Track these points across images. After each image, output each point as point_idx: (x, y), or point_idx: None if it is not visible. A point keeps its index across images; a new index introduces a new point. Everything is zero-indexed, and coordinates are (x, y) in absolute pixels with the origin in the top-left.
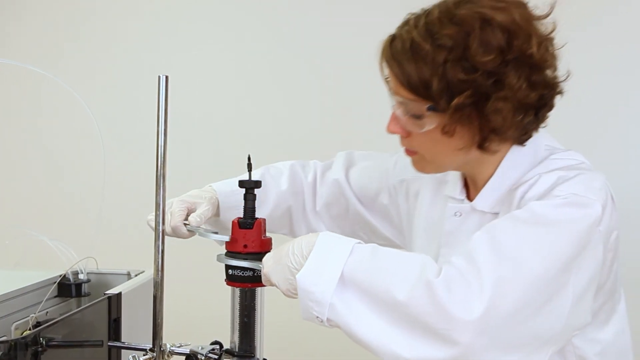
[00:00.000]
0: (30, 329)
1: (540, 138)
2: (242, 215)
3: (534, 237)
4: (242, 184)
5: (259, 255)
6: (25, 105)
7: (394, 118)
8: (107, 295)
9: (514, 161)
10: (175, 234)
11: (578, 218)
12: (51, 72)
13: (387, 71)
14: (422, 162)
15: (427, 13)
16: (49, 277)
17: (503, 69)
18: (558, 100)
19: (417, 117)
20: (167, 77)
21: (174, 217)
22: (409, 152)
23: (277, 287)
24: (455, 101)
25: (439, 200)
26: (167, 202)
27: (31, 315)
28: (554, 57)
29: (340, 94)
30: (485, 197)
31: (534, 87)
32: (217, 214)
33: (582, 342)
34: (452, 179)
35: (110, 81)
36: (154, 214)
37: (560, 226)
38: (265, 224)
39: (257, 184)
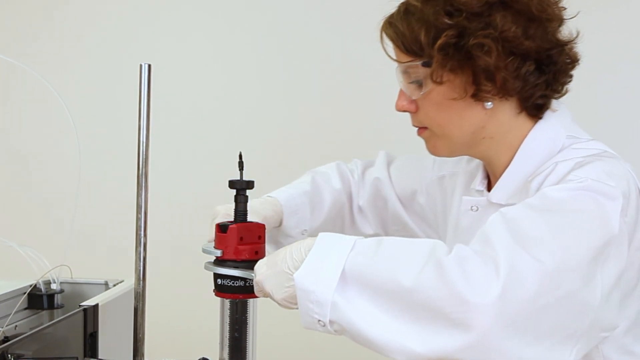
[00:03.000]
0: None
1: (563, 128)
2: (300, 222)
3: (551, 223)
4: (232, 184)
5: (250, 264)
6: None
7: (401, 94)
8: (82, 307)
9: (531, 149)
10: None
11: (597, 206)
12: (20, 60)
13: (389, 48)
14: (433, 138)
15: None
16: (18, 287)
17: (488, 11)
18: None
19: (418, 82)
20: (149, 65)
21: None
22: (420, 130)
23: (271, 297)
24: (439, 42)
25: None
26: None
27: None
28: (555, 12)
29: (339, 88)
30: (502, 188)
31: (529, 37)
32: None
33: (616, 354)
34: (478, 171)
35: (87, 71)
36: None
37: (578, 212)
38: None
39: (250, 184)
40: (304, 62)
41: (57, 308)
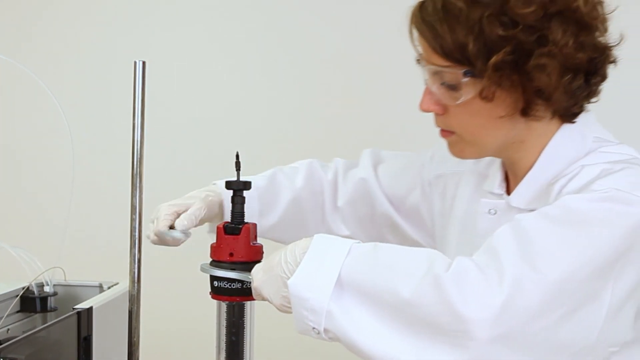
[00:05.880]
0: None
1: (589, 129)
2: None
3: (565, 236)
4: (229, 185)
5: (248, 265)
6: None
7: (428, 93)
8: (76, 310)
9: (558, 150)
10: (161, 242)
11: (618, 216)
12: (12, 56)
13: (417, 39)
14: (460, 143)
15: None
16: (10, 290)
17: (546, 23)
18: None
19: (453, 87)
20: (144, 62)
21: (158, 222)
22: (445, 133)
23: (270, 302)
24: (494, 59)
25: (479, 197)
26: (156, 208)
27: None
28: (603, 19)
29: (340, 86)
30: (523, 191)
31: (582, 48)
32: (220, 216)
33: None
34: (493, 173)
35: (81, 68)
36: (150, 224)
37: (597, 225)
38: (255, 229)
39: (247, 185)
40: (304, 58)
41: (51, 311)
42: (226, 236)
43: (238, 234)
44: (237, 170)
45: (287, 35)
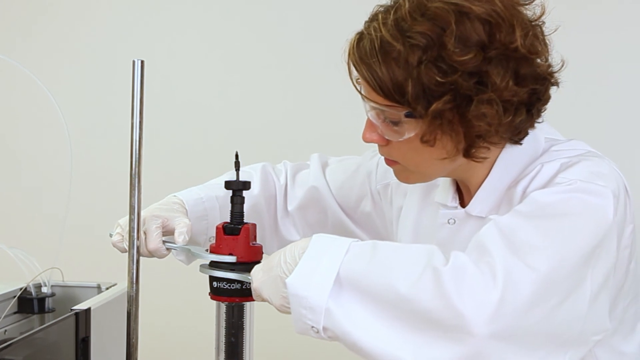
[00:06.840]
0: None
1: (539, 130)
2: (218, 225)
3: (543, 229)
4: (228, 185)
5: (247, 266)
6: None
7: (370, 125)
8: (74, 311)
9: (510, 159)
10: (154, 255)
11: (588, 207)
12: (9, 54)
13: (356, 73)
14: (405, 172)
15: (396, 7)
16: (8, 291)
17: (485, 67)
18: (554, 92)
19: (395, 123)
20: (142, 61)
21: (151, 237)
22: (389, 161)
23: (269, 302)
24: (433, 107)
25: (429, 206)
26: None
27: None
28: (544, 45)
29: (338, 85)
30: (480, 201)
31: (522, 82)
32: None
33: (606, 356)
34: (443, 184)
35: (79, 68)
36: (118, 230)
37: (569, 216)
38: (255, 229)
39: (246, 185)
40: (302, 58)
41: (48, 312)
42: (225, 236)
43: (237, 234)
44: (236, 170)
45: (287, 34)
